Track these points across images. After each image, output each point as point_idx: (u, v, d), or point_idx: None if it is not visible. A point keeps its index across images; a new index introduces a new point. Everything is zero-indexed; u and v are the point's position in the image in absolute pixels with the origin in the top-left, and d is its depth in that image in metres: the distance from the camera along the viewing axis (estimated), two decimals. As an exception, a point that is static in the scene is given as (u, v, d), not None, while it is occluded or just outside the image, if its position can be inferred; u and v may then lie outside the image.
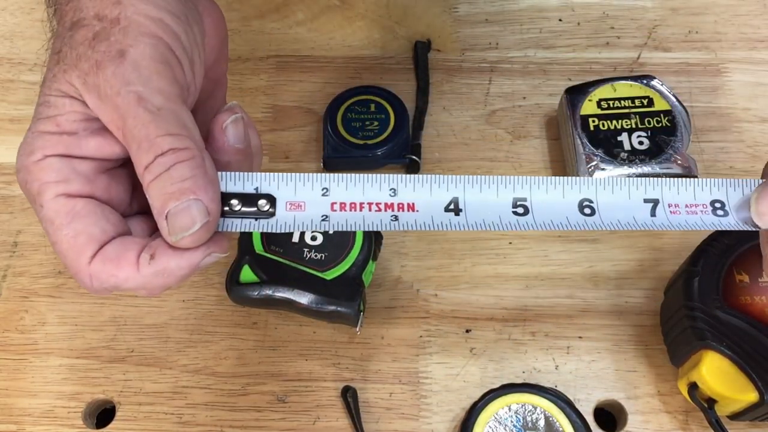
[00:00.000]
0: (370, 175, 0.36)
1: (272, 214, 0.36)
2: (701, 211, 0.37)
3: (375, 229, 0.36)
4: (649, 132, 0.49)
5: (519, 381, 0.46)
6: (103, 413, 0.47)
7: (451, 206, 0.36)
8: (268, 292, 0.43)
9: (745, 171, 0.52)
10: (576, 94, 0.51)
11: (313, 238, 0.45)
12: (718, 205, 0.38)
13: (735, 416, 0.42)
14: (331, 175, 0.36)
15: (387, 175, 0.36)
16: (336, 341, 0.48)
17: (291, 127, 0.55)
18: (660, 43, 0.58)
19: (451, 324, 0.48)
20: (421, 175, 0.37)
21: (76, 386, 0.46)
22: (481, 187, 0.37)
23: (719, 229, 0.37)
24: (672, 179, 0.38)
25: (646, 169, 0.48)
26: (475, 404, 0.42)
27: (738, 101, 0.55)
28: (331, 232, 0.36)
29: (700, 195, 0.38)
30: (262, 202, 0.36)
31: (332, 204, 0.36)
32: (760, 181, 0.38)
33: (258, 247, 0.45)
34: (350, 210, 0.36)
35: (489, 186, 0.37)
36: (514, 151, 0.54)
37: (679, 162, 0.48)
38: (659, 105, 0.50)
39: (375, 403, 0.46)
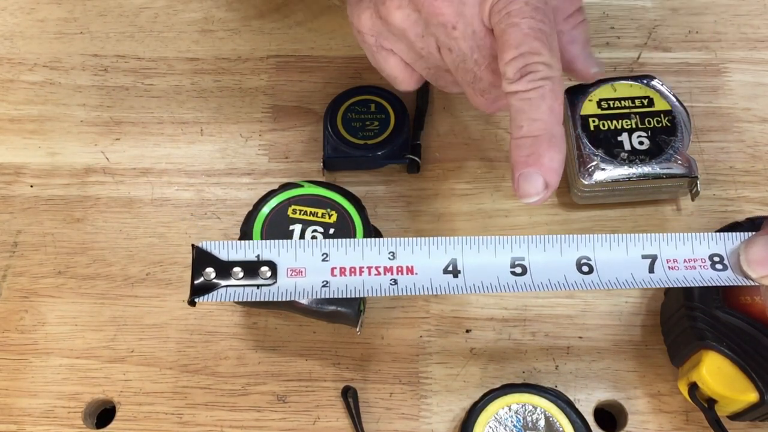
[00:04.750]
0: (369, 240, 0.37)
1: (273, 282, 0.36)
2: (700, 266, 0.37)
3: (374, 295, 0.36)
4: (649, 132, 0.49)
5: (519, 381, 0.46)
6: (103, 413, 0.47)
7: (450, 268, 0.37)
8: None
9: (746, 171, 0.52)
10: (576, 94, 0.51)
11: (313, 238, 0.45)
12: (717, 259, 0.37)
13: (735, 416, 0.42)
14: (331, 240, 0.37)
15: (386, 239, 0.37)
16: (336, 341, 0.48)
17: (291, 127, 0.55)
18: (660, 43, 0.58)
19: (451, 324, 0.48)
20: (419, 238, 0.37)
21: (76, 386, 0.46)
22: (479, 248, 0.37)
23: (718, 284, 0.37)
24: (669, 234, 0.37)
25: (647, 169, 0.48)
26: (475, 404, 0.42)
27: (738, 101, 0.55)
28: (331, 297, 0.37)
29: (698, 249, 0.37)
30: (263, 269, 0.37)
31: (332, 269, 0.37)
32: None
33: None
34: (350, 275, 0.37)
35: (487, 246, 0.37)
36: (514, 151, 0.54)
37: (679, 162, 0.48)
38: (659, 105, 0.50)
39: (375, 403, 0.46)
